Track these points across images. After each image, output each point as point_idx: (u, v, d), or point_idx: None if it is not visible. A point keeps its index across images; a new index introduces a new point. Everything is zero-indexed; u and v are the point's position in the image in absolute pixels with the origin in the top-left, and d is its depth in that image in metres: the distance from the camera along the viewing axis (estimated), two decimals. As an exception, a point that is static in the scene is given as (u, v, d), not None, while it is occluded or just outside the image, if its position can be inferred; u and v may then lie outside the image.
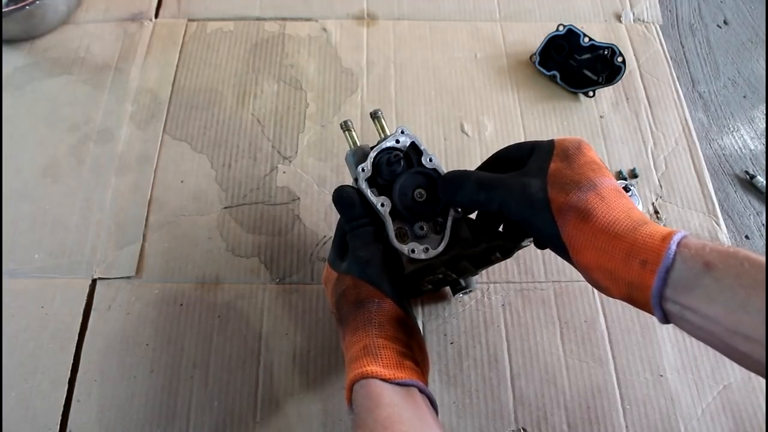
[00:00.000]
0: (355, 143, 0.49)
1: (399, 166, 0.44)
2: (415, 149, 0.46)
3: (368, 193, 0.44)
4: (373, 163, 0.45)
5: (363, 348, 0.39)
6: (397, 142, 0.45)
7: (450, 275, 0.49)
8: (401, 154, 0.44)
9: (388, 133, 0.47)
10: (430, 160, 0.45)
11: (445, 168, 0.45)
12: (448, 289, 0.55)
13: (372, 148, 0.46)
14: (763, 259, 0.29)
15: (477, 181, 0.40)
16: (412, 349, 0.41)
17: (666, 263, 0.31)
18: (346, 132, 0.49)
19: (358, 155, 0.47)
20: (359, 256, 0.43)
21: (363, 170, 0.44)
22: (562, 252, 0.37)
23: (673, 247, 0.31)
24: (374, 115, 0.49)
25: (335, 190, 0.45)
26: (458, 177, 0.42)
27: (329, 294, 0.46)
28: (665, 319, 0.33)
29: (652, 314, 0.33)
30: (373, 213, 0.45)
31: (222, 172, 0.64)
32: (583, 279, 0.38)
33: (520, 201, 0.37)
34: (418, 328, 0.44)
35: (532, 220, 0.37)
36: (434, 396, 0.40)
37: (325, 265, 0.48)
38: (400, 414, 0.35)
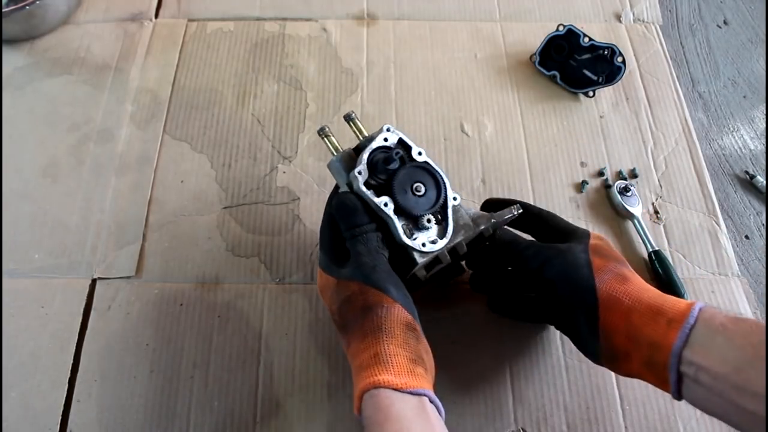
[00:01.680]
0: (336, 149, 0.48)
1: (396, 163, 0.44)
2: (403, 145, 0.45)
3: (369, 195, 0.43)
4: (367, 164, 0.44)
5: (374, 356, 0.38)
6: (386, 140, 0.45)
7: (454, 264, 0.50)
8: (400, 151, 0.43)
9: (366, 134, 0.47)
10: (420, 153, 0.45)
11: (442, 168, 0.45)
12: (448, 288, 0.55)
13: (356, 150, 0.46)
14: None
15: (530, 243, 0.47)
16: (421, 355, 0.40)
17: (689, 322, 0.36)
18: (325, 138, 0.48)
19: (345, 160, 0.46)
20: (364, 262, 0.42)
21: (360, 173, 0.43)
22: (589, 318, 0.42)
23: (696, 309, 0.36)
24: (348, 118, 0.48)
25: (336, 198, 0.44)
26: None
27: (327, 301, 0.45)
28: (678, 386, 0.37)
29: (666, 384, 0.37)
30: (375, 216, 0.44)
31: (222, 172, 0.64)
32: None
33: (564, 259, 0.44)
34: (422, 333, 0.44)
35: (573, 275, 0.42)
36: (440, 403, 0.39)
37: (317, 271, 0.47)
38: (409, 428, 0.35)
